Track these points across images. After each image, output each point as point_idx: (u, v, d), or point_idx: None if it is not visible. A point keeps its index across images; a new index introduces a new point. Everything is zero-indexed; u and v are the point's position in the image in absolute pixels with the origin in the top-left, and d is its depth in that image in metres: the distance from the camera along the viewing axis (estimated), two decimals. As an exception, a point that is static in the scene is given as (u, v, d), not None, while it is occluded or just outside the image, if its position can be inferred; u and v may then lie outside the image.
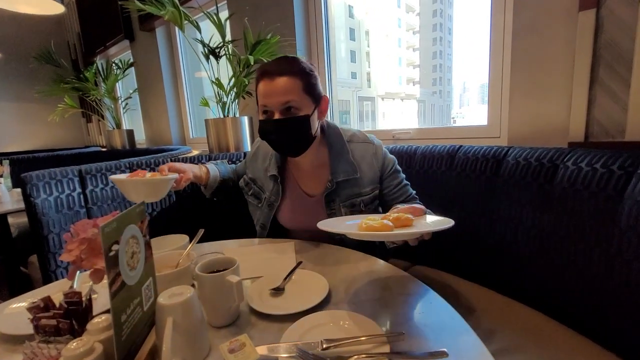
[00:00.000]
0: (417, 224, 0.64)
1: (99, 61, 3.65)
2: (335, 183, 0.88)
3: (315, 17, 1.80)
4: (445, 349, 0.43)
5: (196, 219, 1.37)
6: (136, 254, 0.43)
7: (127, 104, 3.21)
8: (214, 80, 1.69)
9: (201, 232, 0.75)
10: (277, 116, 0.80)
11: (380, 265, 0.76)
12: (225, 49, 1.75)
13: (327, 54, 1.83)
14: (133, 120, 3.89)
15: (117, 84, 3.96)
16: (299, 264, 0.73)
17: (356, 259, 0.80)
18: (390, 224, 0.59)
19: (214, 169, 1.07)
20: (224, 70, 1.81)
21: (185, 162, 1.37)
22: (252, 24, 1.65)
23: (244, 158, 1.14)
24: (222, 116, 1.78)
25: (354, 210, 0.90)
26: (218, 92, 1.79)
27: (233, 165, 1.17)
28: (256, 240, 0.98)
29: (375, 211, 0.94)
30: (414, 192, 0.98)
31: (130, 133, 3.07)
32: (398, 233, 0.58)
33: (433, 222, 0.65)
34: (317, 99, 0.85)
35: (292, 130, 0.82)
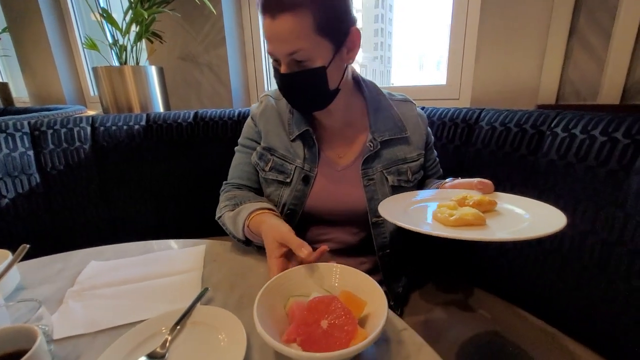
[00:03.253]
0: (501, 208, 0.52)
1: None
2: (379, 143, 0.68)
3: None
4: None
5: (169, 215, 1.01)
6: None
7: (-6, 47, 2.41)
8: (100, 12, 1.22)
9: (24, 248, 0.43)
10: (283, 69, 0.59)
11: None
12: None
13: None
14: (13, 72, 3.03)
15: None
16: (203, 292, 0.46)
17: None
18: (481, 213, 0.46)
19: (267, 202, 0.70)
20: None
21: (67, 124, 0.97)
22: None
23: (244, 132, 0.76)
24: (118, 64, 1.33)
25: (401, 179, 0.70)
26: (112, 31, 1.33)
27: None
28: (154, 243, 0.68)
29: (421, 185, 0.76)
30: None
31: (3, 87, 2.33)
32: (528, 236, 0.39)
33: (531, 211, 0.48)
34: (342, 36, 0.59)
35: (302, 86, 0.61)
